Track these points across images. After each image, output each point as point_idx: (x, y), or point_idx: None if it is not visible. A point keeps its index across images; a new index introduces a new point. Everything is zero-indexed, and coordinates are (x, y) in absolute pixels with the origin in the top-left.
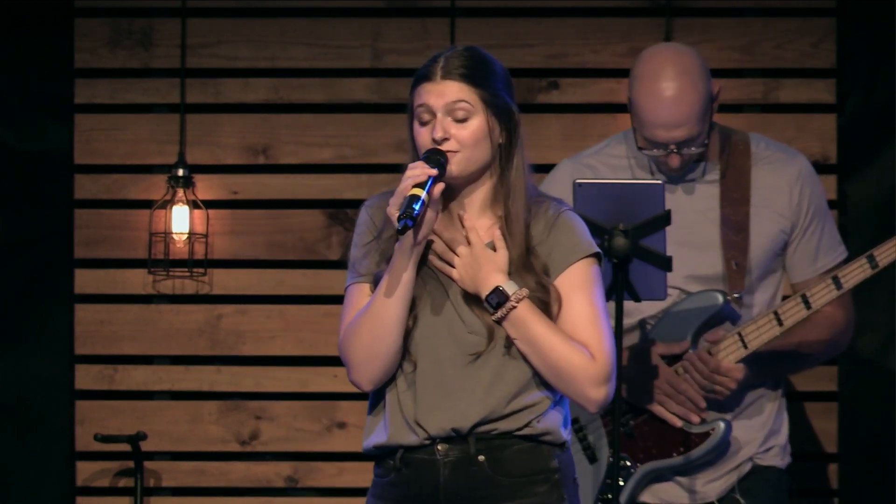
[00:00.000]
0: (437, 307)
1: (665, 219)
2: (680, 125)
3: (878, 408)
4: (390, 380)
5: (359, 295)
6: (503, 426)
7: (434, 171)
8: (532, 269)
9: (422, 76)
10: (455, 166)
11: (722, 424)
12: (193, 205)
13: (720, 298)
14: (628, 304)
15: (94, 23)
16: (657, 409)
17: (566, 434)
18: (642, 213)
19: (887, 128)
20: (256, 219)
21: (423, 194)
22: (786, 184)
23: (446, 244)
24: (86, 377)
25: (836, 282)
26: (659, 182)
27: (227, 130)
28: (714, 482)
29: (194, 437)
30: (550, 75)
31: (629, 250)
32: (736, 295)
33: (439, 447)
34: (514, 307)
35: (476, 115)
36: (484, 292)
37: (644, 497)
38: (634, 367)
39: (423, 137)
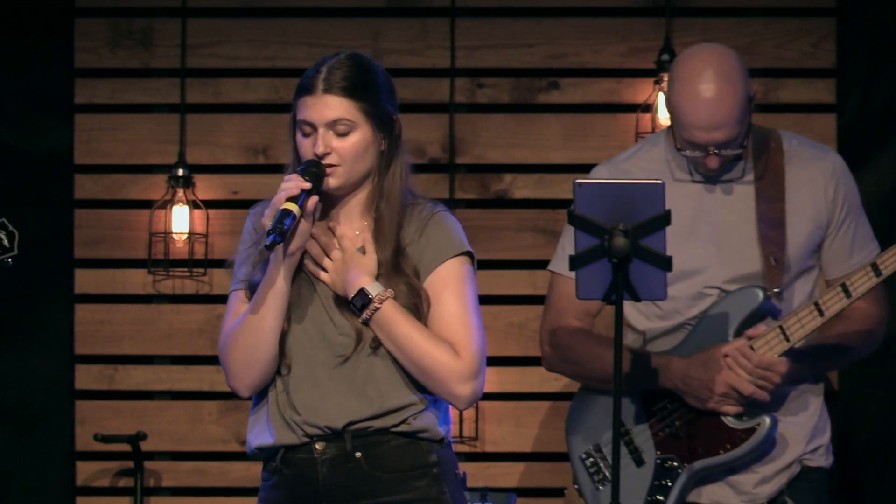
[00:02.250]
0: (310, 311)
1: (665, 219)
2: (719, 127)
3: (878, 408)
4: (270, 382)
5: (236, 302)
6: (378, 424)
7: (307, 185)
8: (401, 271)
9: (303, 88)
10: (336, 180)
11: (768, 419)
12: (193, 205)
13: (760, 294)
14: (668, 308)
15: (94, 23)
16: (710, 406)
17: (444, 430)
18: (642, 213)
19: (887, 128)
20: None
21: (295, 208)
22: (820, 180)
23: (322, 248)
24: (86, 377)
25: (875, 269)
26: (659, 182)
27: (227, 130)
28: (765, 484)
29: (194, 437)
30: (550, 75)
31: (629, 250)
32: (776, 290)
33: (317, 446)
34: (378, 308)
35: (357, 128)
36: (350, 294)
37: (693, 497)
38: (684, 368)
39: (305, 149)
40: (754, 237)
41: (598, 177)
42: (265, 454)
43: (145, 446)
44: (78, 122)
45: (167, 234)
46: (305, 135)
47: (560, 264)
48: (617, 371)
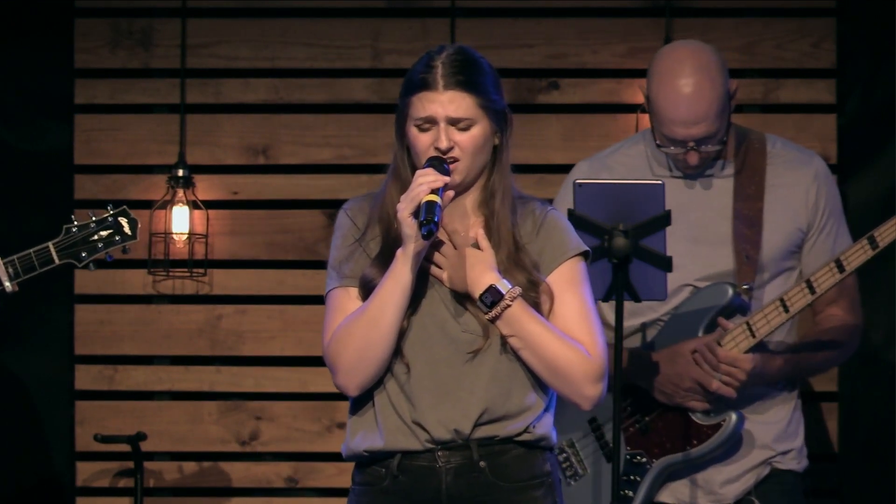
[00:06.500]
0: (428, 308)
1: (665, 219)
2: (698, 122)
3: (878, 408)
4: (377, 383)
5: (345, 298)
6: (503, 432)
7: (448, 179)
8: (523, 266)
9: (418, 83)
10: (457, 175)
11: (734, 415)
12: (193, 205)
13: (730, 290)
14: (639, 304)
15: (94, 23)
16: (677, 402)
17: (556, 437)
18: (642, 213)
19: (887, 128)
20: (256, 219)
21: (439, 200)
22: (802, 183)
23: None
24: (86, 377)
25: (839, 264)
26: (659, 182)
27: (227, 130)
28: (732, 484)
29: (194, 437)
30: (550, 75)
31: (629, 250)
32: (745, 286)
33: (440, 454)
34: (509, 305)
35: (478, 123)
36: (477, 291)
37: (662, 497)
38: (653, 363)
39: (423, 143)
40: (729, 235)
41: (580, 172)
42: (370, 458)
43: (145, 446)
44: (78, 122)
45: (167, 234)
46: (423, 130)
47: None
48: (618, 370)
